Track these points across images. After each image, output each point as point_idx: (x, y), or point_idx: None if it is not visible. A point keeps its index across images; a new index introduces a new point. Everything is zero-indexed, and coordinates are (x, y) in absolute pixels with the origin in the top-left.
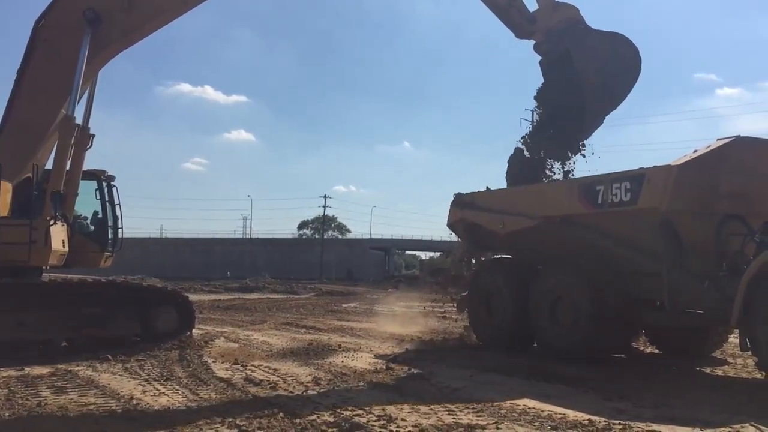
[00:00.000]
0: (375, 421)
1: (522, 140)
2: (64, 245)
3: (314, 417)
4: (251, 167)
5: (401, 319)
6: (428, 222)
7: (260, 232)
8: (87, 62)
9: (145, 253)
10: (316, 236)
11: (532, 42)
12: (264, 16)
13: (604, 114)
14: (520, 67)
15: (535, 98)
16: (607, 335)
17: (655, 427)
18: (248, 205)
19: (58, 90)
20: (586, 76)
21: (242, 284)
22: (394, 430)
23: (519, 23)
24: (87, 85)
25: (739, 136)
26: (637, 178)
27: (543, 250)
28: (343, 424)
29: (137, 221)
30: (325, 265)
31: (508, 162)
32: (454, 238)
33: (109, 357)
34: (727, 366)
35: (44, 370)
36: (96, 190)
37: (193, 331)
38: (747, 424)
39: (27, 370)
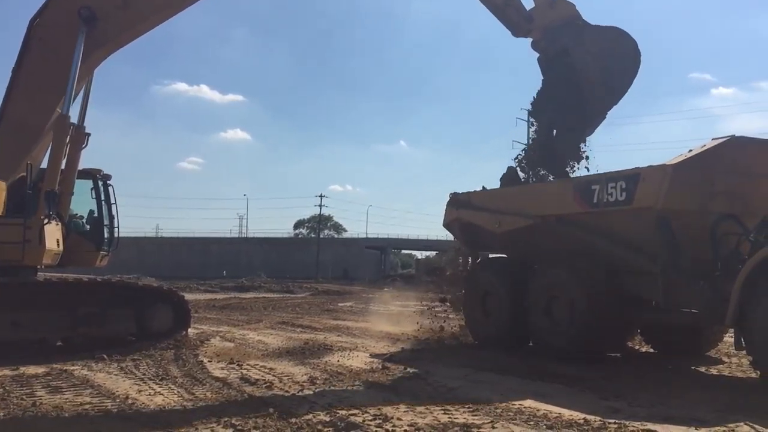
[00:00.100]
0: (371, 420)
1: (516, 161)
2: (58, 244)
3: (310, 416)
4: (247, 166)
5: (397, 318)
6: (424, 221)
7: (256, 231)
8: (82, 61)
9: (140, 253)
10: (312, 235)
11: (529, 40)
12: (260, 15)
13: (605, 109)
14: (517, 66)
15: (531, 109)
16: (602, 334)
17: (650, 426)
18: (244, 204)
19: (54, 88)
20: (586, 74)
21: (238, 283)
22: (390, 429)
23: (516, 21)
24: (82, 84)
25: (734, 135)
26: (632, 177)
27: (539, 249)
28: (338, 423)
29: (133, 220)
30: (321, 264)
31: (501, 181)
32: (450, 237)
33: (105, 356)
34: (721, 365)
35: (39, 370)
36: (92, 189)
37: (189, 330)
38: (742, 423)
39: (22, 369)
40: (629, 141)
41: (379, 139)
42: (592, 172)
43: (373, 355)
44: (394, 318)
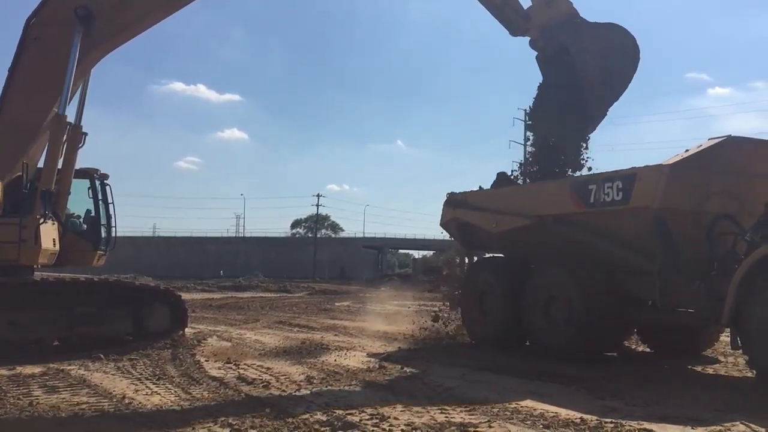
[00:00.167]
0: (368, 419)
1: (513, 176)
2: (54, 244)
3: (307, 416)
4: (244, 166)
5: (394, 317)
6: (421, 221)
7: (253, 230)
8: (79, 60)
9: (137, 252)
10: (310, 235)
11: (527, 39)
12: (257, 15)
13: (606, 106)
14: (515, 66)
15: (529, 120)
16: (600, 334)
17: (646, 425)
18: (241, 203)
19: (50, 88)
20: (585, 73)
21: (235, 283)
22: (387, 428)
23: (514, 21)
24: (79, 83)
25: (731, 135)
26: (629, 177)
27: (536, 249)
28: (335, 423)
29: (130, 220)
30: (319, 263)
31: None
32: (447, 237)
33: (102, 356)
34: (718, 364)
35: (36, 370)
36: (89, 188)
37: (186, 330)
38: (738, 422)
39: (18, 369)
40: (625, 141)
41: (376, 138)
42: (590, 172)
43: (370, 355)
44: (391, 317)
